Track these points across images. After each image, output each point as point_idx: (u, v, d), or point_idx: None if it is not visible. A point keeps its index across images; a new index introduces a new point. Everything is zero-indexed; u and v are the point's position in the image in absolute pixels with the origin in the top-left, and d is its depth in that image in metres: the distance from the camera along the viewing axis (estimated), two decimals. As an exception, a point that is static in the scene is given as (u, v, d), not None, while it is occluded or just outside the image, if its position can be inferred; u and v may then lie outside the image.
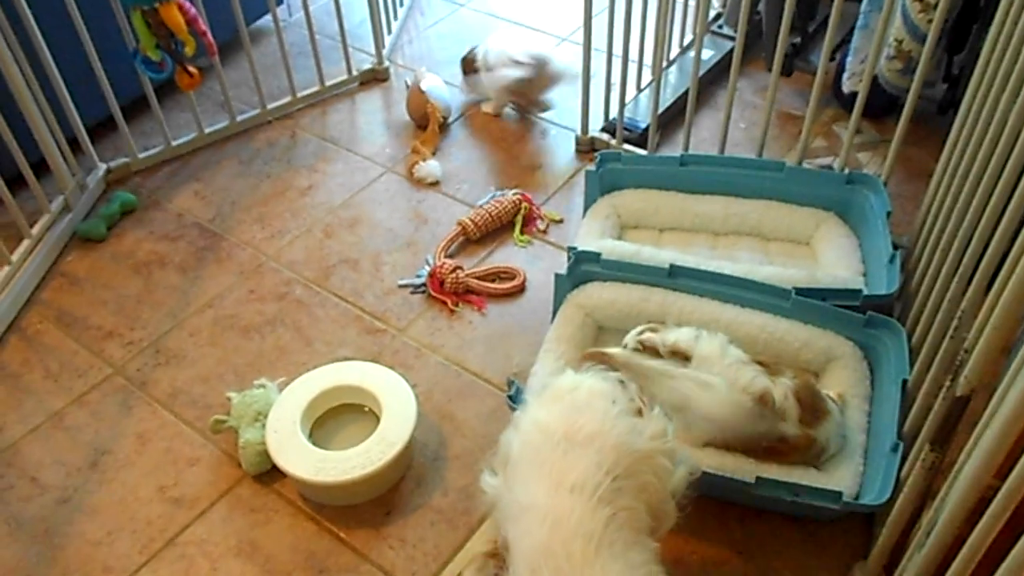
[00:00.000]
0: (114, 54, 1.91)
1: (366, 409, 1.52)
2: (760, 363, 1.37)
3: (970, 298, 1.11)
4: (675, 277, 1.56)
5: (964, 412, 0.99)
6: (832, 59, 2.08)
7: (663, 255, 1.63)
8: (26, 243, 1.82)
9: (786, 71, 2.16)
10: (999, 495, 0.78)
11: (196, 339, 1.71)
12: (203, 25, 1.83)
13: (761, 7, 2.17)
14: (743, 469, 1.31)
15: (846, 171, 1.75)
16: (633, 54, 2.03)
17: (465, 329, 1.72)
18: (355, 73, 2.36)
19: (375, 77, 2.40)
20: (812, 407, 1.32)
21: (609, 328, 1.60)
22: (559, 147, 2.16)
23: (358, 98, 2.36)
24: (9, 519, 1.43)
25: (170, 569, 1.36)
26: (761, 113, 2.19)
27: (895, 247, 1.58)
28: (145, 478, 1.49)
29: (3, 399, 1.62)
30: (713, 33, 2.42)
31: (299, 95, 2.29)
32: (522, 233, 1.91)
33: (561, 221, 1.95)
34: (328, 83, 2.32)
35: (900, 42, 1.81)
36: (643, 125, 2.12)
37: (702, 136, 2.15)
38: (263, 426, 1.46)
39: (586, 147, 2.14)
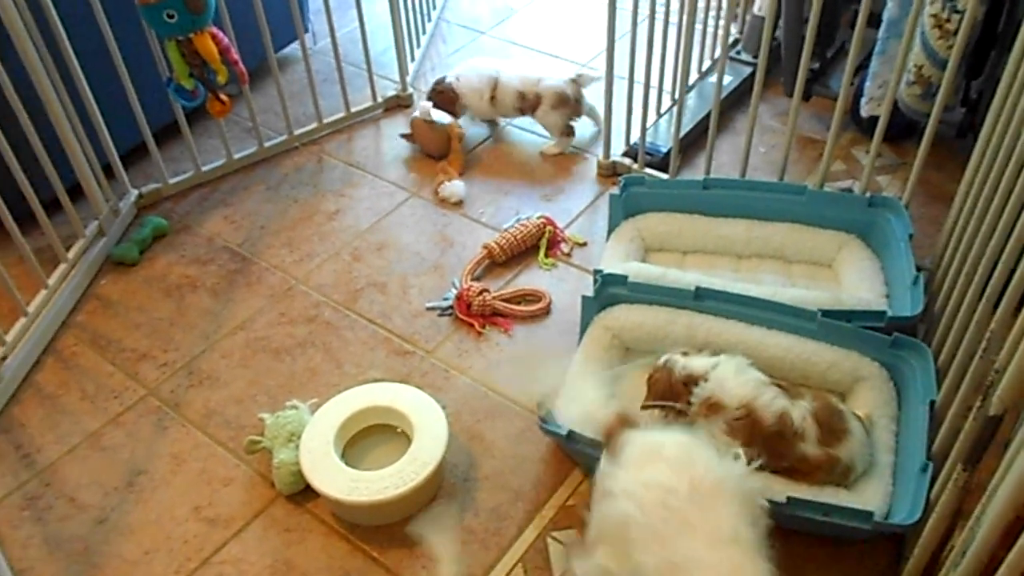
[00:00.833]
0: (146, 82, 1.96)
1: (398, 430, 1.54)
2: (780, 385, 1.39)
3: (999, 319, 1.13)
4: (701, 299, 1.58)
5: (996, 432, 1.01)
6: (850, 84, 2.11)
7: (689, 277, 1.65)
8: (62, 267, 1.86)
9: (805, 96, 2.18)
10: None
11: (228, 361, 1.74)
12: (235, 55, 1.88)
13: (780, 33, 2.20)
14: (773, 489, 1.33)
15: (867, 194, 1.78)
16: (652, 80, 2.07)
17: (492, 351, 1.74)
18: (380, 100, 2.41)
19: (399, 103, 2.44)
20: (831, 427, 1.33)
21: (636, 350, 1.62)
22: (581, 171, 2.20)
23: (383, 124, 2.40)
24: (48, 538, 1.45)
25: (206, 588, 1.38)
26: (780, 137, 2.23)
27: (918, 269, 1.60)
28: (180, 498, 1.51)
29: (41, 420, 1.65)
30: (731, 59, 2.46)
31: (325, 121, 2.33)
32: (547, 256, 1.94)
33: (585, 244, 1.98)
34: (353, 109, 2.37)
35: (920, 67, 1.84)
36: (664, 149, 2.15)
37: (722, 160, 2.18)
38: (296, 447, 1.49)
39: (608, 171, 2.17)
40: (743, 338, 1.56)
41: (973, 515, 0.97)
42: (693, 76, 2.40)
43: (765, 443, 1.33)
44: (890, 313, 1.54)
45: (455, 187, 2.10)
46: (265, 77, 2.40)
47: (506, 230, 1.95)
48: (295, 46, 2.51)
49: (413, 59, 2.57)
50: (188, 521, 1.47)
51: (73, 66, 1.84)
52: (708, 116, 2.15)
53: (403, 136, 2.28)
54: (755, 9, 2.37)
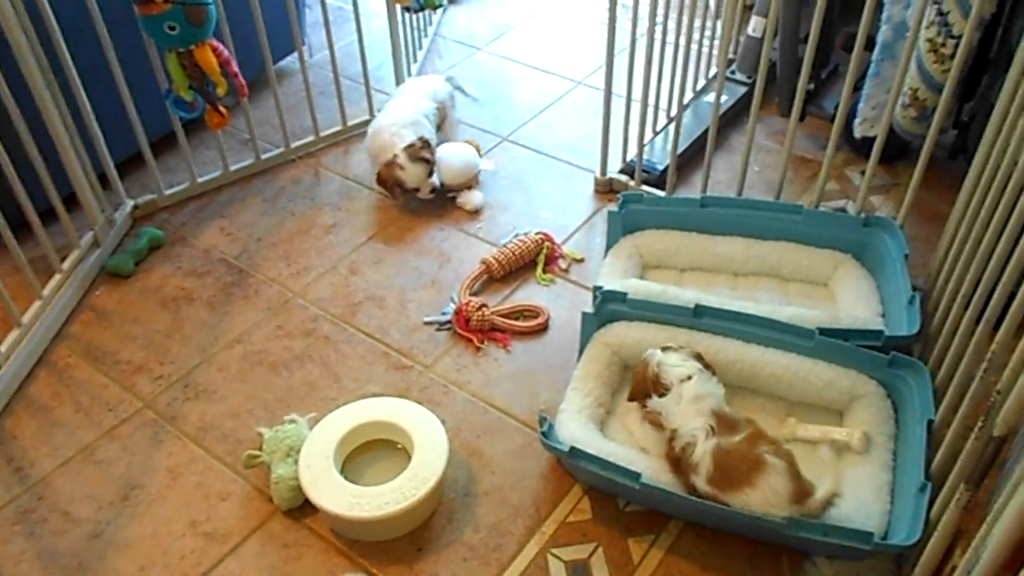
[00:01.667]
0: (143, 91, 1.95)
1: (398, 446, 1.53)
2: (726, 419, 1.38)
3: (1000, 341, 1.14)
4: (700, 317, 1.59)
5: (1000, 452, 1.02)
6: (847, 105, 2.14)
7: (688, 295, 1.66)
8: (56, 278, 1.84)
9: (800, 116, 2.21)
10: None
11: (225, 374, 1.73)
12: (235, 67, 1.88)
13: (775, 54, 2.23)
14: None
15: (862, 214, 1.80)
16: (649, 98, 2.08)
17: (491, 366, 1.74)
18: (376, 114, 2.41)
19: (395, 117, 2.44)
20: (729, 472, 1.32)
21: (636, 367, 1.63)
22: (577, 188, 2.21)
23: (379, 137, 2.40)
24: (42, 553, 1.43)
25: (204, 604, 1.37)
26: (774, 156, 2.26)
27: (913, 288, 1.62)
28: (177, 512, 1.49)
29: (34, 433, 1.63)
30: (726, 79, 2.48)
31: (322, 134, 2.33)
32: (544, 272, 1.95)
33: (582, 260, 1.99)
34: (350, 123, 2.37)
35: (915, 91, 1.86)
36: (660, 167, 2.16)
37: (717, 178, 2.20)
38: (295, 461, 1.48)
39: (604, 188, 2.18)
40: (742, 356, 1.57)
41: (977, 536, 0.98)
42: (688, 95, 2.42)
43: (674, 465, 1.39)
44: (887, 332, 1.56)
45: (473, 196, 2.12)
46: (262, 89, 2.40)
47: (504, 245, 1.96)
48: (292, 59, 2.53)
49: (410, 73, 2.57)
50: (185, 536, 1.46)
51: (71, 75, 1.83)
52: (703, 135, 2.18)
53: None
54: (749, 30, 2.40)
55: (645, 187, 2.13)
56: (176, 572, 1.41)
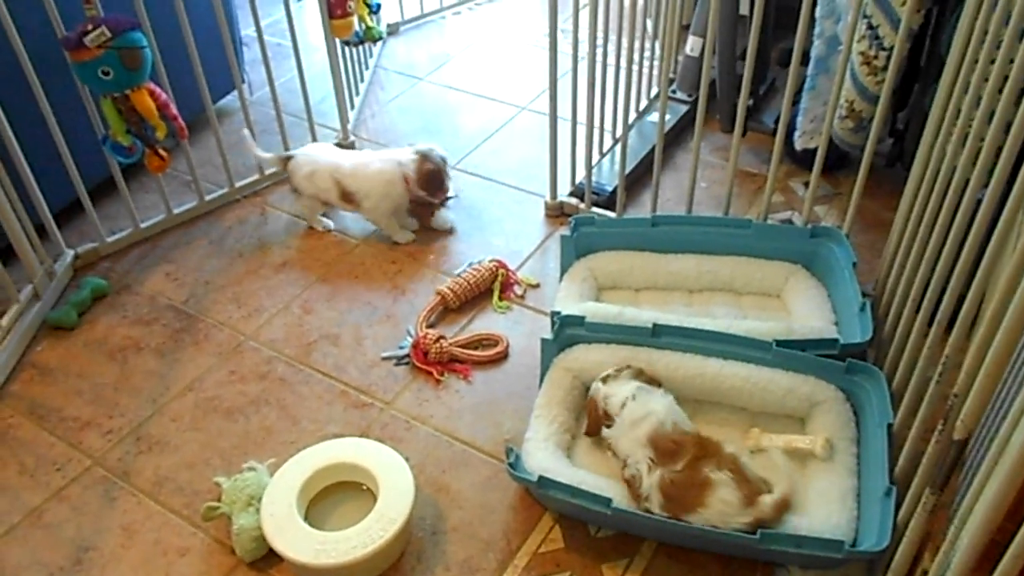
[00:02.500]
0: (79, 137, 1.89)
1: (363, 487, 1.50)
2: (669, 443, 1.38)
3: (953, 344, 1.16)
4: (659, 336, 1.60)
5: (962, 455, 1.03)
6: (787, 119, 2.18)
7: (645, 315, 1.67)
8: (-6, 335, 1.77)
9: (742, 132, 2.25)
10: (1017, 539, 0.81)
11: (178, 424, 1.68)
12: (174, 110, 1.84)
13: (714, 72, 2.27)
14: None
15: (809, 225, 1.83)
16: (594, 120, 2.10)
17: (452, 398, 1.72)
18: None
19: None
20: (680, 498, 1.34)
21: (587, 402, 1.62)
22: (528, 213, 2.21)
23: (325, 172, 2.37)
24: (-9, 627, 1.37)
25: (167, 668, 1.31)
26: (719, 171, 2.29)
27: (863, 295, 1.65)
28: (134, 572, 1.43)
29: (-23, 499, 1.55)
30: (667, 98, 2.51)
31: (266, 172, 2.29)
32: (501, 299, 1.93)
33: (538, 286, 1.98)
34: (295, 159, 2.33)
35: (851, 102, 1.91)
36: (609, 188, 2.18)
37: (665, 196, 2.22)
38: (257, 510, 1.43)
39: (555, 211, 2.19)
40: (701, 370, 1.57)
41: (947, 539, 0.99)
42: (632, 115, 2.44)
43: (632, 491, 1.40)
44: (842, 340, 1.58)
45: (444, 216, 2.14)
46: (203, 130, 2.35)
47: (458, 275, 1.94)
48: (231, 97, 2.49)
49: (352, 107, 2.56)
50: (144, 597, 1.40)
51: (1, 123, 1.77)
52: (649, 154, 2.20)
53: None
54: (687, 49, 2.44)
55: (595, 209, 2.14)
56: (136, 636, 1.35)
